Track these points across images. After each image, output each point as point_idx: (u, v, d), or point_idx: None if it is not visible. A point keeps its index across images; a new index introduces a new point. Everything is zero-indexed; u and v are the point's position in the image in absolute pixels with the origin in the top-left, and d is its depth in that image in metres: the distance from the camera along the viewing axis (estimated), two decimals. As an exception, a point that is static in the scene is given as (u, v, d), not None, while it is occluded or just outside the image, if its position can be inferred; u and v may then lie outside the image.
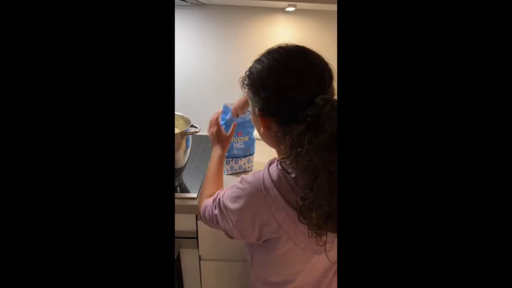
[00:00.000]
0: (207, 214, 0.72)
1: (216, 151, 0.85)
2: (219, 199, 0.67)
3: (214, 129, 0.87)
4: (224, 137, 0.87)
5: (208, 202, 0.72)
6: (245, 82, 0.60)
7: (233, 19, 1.22)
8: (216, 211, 0.67)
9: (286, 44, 0.58)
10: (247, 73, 0.60)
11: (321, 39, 1.23)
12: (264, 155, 1.10)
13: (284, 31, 1.22)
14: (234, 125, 0.90)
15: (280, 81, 0.54)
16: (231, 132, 0.88)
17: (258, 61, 0.59)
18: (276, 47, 0.58)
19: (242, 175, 0.63)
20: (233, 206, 0.62)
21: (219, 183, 0.81)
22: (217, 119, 0.87)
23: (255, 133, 1.02)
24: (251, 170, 1.09)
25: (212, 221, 0.70)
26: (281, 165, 0.56)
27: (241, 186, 0.61)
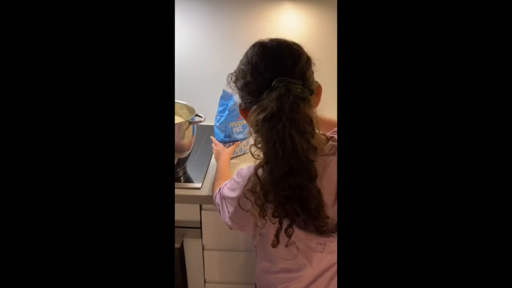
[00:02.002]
0: (215, 202, 0.74)
1: (224, 158, 0.94)
2: (222, 189, 0.70)
3: (217, 148, 0.98)
4: (228, 150, 0.98)
5: (216, 190, 0.74)
6: (231, 80, 0.63)
7: (238, 7, 1.18)
8: (219, 201, 0.70)
9: (262, 39, 0.60)
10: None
11: (328, 28, 1.20)
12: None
13: (290, 19, 1.19)
14: (237, 144, 1.04)
15: (245, 71, 0.57)
16: (232, 148, 1.01)
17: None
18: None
19: (239, 168, 0.65)
20: (229, 198, 0.65)
21: (229, 176, 0.86)
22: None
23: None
24: (248, 152, 1.10)
25: (218, 210, 0.72)
26: (250, 150, 0.57)
27: (236, 179, 0.64)
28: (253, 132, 0.55)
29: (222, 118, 1.02)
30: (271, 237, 0.61)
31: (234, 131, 1.05)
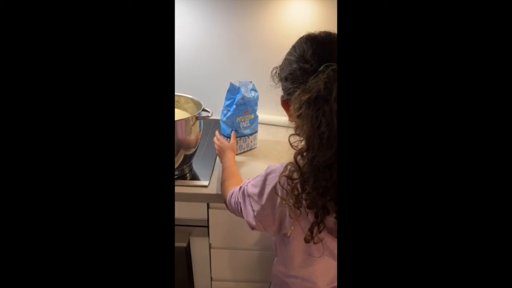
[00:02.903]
0: (233, 201, 0.70)
1: (229, 155, 0.89)
2: (244, 187, 0.66)
3: (220, 143, 0.93)
4: (231, 145, 0.92)
5: (235, 189, 0.70)
6: (275, 73, 0.59)
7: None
8: (240, 199, 0.66)
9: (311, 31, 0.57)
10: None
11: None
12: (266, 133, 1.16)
13: (299, 11, 1.13)
14: (234, 134, 0.98)
15: (290, 60, 0.55)
16: (233, 141, 0.96)
17: None
18: None
19: (269, 165, 0.61)
20: (255, 195, 0.61)
21: (237, 174, 0.82)
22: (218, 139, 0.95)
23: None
24: (256, 147, 1.10)
25: (237, 209, 0.69)
26: (289, 140, 0.54)
27: (265, 174, 0.60)
28: (294, 118, 0.51)
29: (229, 113, 0.98)
30: (295, 238, 0.58)
31: (241, 126, 1.01)
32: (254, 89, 1.00)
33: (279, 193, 0.56)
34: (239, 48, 1.19)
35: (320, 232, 0.53)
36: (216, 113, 1.02)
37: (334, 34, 0.54)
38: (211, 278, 1.05)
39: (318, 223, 0.52)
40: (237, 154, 1.03)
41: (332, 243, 0.54)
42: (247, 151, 1.07)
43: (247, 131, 1.04)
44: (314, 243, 0.54)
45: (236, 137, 1.01)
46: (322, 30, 0.55)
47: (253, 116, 1.03)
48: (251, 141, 1.07)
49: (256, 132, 1.07)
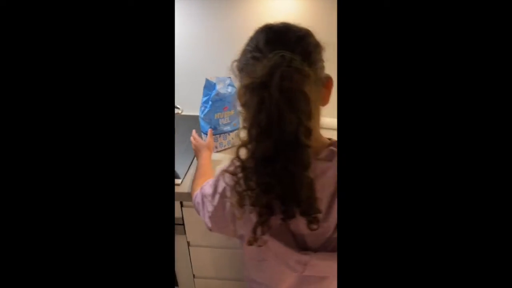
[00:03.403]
0: (195, 201, 0.69)
1: (203, 154, 0.87)
2: (203, 188, 0.65)
3: (195, 142, 0.91)
4: (206, 144, 0.90)
5: (196, 190, 0.69)
6: (235, 66, 0.56)
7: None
8: (199, 200, 0.65)
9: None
10: None
11: (331, 20, 1.09)
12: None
13: (281, 4, 1.08)
14: (210, 131, 0.94)
15: (246, 50, 0.52)
16: (209, 139, 0.92)
17: None
18: None
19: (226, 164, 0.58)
20: (209, 196, 0.59)
21: (211, 173, 0.81)
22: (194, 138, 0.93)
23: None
24: None
25: (198, 209, 0.68)
26: (239, 135, 0.50)
27: (219, 174, 0.58)
28: (241, 108, 0.48)
29: (206, 109, 0.96)
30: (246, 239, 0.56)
31: (220, 123, 0.99)
32: (231, 85, 0.98)
33: (219, 190, 0.53)
34: (224, 44, 1.16)
35: (263, 234, 0.50)
36: (195, 109, 1.01)
37: (293, 24, 0.51)
38: (194, 275, 1.05)
39: (262, 223, 0.49)
40: (218, 151, 1.02)
41: (279, 249, 0.51)
42: (228, 148, 1.05)
43: (227, 128, 1.01)
44: (259, 245, 0.51)
45: (216, 134, 0.99)
46: (304, 26, 0.52)
47: (233, 113, 1.01)
48: (233, 138, 1.04)
49: (237, 128, 1.05)
